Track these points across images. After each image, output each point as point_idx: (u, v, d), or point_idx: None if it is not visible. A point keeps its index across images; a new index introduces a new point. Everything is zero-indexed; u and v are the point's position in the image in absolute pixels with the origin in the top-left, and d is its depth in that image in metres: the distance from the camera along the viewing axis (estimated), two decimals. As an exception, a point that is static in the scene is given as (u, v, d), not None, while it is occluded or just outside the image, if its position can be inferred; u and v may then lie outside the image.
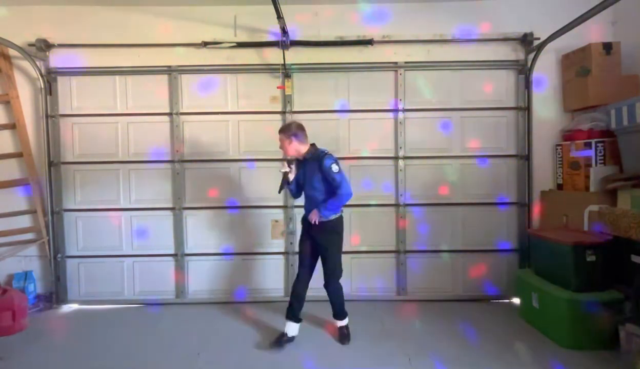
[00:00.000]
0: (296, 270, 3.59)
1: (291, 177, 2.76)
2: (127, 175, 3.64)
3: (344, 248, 3.60)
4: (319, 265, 2.83)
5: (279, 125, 3.57)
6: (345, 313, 2.88)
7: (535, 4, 3.57)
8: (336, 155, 3.51)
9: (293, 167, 2.76)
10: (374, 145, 3.63)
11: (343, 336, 2.83)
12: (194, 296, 3.65)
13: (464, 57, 3.58)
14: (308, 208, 2.80)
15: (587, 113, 3.33)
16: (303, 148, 2.73)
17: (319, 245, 2.75)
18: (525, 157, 3.59)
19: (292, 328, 2.79)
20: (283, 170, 2.73)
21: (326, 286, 2.80)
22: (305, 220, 2.83)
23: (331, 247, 2.74)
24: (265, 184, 3.62)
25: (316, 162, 2.68)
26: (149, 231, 3.65)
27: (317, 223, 2.67)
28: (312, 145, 2.78)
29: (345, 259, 3.62)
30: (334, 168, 2.63)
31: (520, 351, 2.64)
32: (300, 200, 3.56)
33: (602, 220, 2.85)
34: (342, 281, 3.63)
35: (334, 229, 2.75)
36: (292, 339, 2.78)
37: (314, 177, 2.70)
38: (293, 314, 2.79)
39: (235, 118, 3.63)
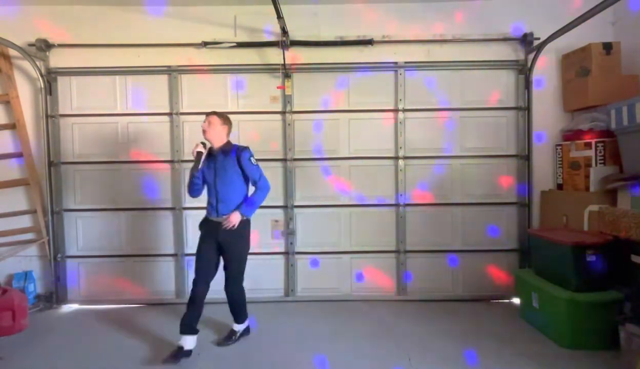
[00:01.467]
0: (297, 270, 3.65)
1: (202, 161, 2.58)
2: (127, 175, 3.64)
3: (344, 248, 3.67)
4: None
5: (280, 125, 3.61)
6: (245, 316, 2.83)
7: (535, 4, 3.57)
8: (336, 155, 3.61)
9: (206, 150, 2.61)
10: (374, 145, 3.62)
11: (228, 337, 2.78)
12: (194, 296, 3.65)
13: (464, 57, 3.58)
14: (220, 208, 2.60)
15: (587, 113, 3.33)
16: (225, 139, 2.67)
17: (230, 246, 2.61)
18: (525, 157, 3.59)
19: (189, 341, 2.56)
20: (198, 150, 2.56)
21: (229, 288, 2.71)
22: (210, 222, 2.64)
23: (243, 250, 2.68)
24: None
25: (232, 156, 2.61)
26: (148, 231, 3.65)
27: (235, 226, 2.55)
28: (228, 141, 2.71)
29: (345, 259, 3.66)
30: (253, 160, 2.63)
31: (520, 351, 2.64)
32: (300, 200, 3.63)
33: (602, 219, 2.85)
34: (342, 281, 3.68)
35: (245, 230, 2.66)
36: (189, 353, 2.54)
37: (231, 172, 2.59)
38: (191, 325, 2.58)
39: (235, 118, 3.60)
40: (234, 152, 2.62)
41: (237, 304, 2.77)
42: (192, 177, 2.61)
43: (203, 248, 2.64)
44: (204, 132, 2.62)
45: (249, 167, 2.61)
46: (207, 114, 2.65)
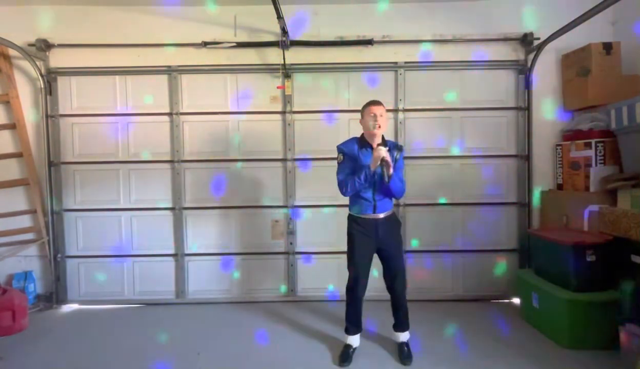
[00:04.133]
0: (297, 270, 3.66)
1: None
2: (127, 175, 3.64)
3: (344, 248, 3.62)
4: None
5: (279, 125, 3.61)
6: (346, 328, 2.65)
7: (535, 4, 3.57)
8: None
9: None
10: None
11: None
12: (194, 296, 3.65)
13: (464, 57, 3.58)
14: (379, 205, 2.49)
15: (587, 113, 3.33)
16: None
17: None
18: (525, 157, 3.59)
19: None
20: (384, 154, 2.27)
21: None
22: (366, 220, 2.51)
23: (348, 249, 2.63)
24: (265, 184, 3.63)
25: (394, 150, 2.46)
26: (149, 231, 3.65)
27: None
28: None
29: (343, 260, 3.61)
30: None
31: (520, 351, 2.64)
32: (300, 200, 3.63)
33: (602, 219, 2.85)
34: (342, 281, 3.63)
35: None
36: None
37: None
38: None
39: (235, 118, 3.63)
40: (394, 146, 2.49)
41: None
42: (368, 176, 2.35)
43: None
44: (379, 126, 2.36)
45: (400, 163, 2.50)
46: (377, 103, 2.42)
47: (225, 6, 3.54)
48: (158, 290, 3.65)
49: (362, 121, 2.48)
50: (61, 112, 3.61)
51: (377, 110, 2.38)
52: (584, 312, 2.61)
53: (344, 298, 3.55)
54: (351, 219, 2.57)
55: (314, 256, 3.65)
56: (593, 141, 3.12)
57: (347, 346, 2.59)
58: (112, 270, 3.65)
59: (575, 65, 3.41)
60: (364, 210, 2.49)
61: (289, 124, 3.60)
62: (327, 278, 3.65)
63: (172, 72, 3.59)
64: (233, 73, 3.61)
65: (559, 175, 3.50)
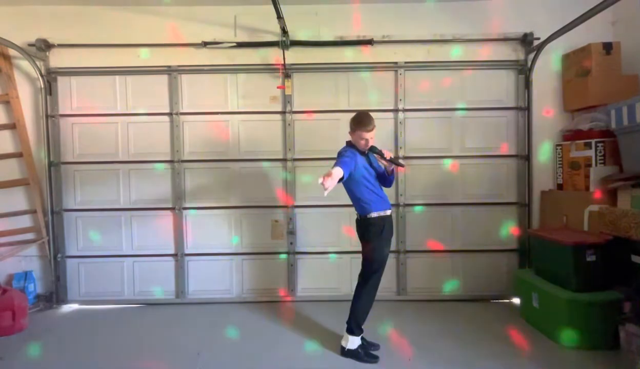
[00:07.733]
0: (297, 270, 3.66)
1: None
2: (127, 175, 3.64)
3: (344, 248, 3.65)
4: None
5: (279, 125, 3.61)
6: (352, 330, 2.58)
7: (535, 4, 3.57)
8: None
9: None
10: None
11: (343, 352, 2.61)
12: (194, 296, 3.65)
13: (464, 57, 3.58)
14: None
15: (587, 113, 3.33)
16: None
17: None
18: (525, 157, 3.59)
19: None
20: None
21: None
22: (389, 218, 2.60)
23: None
24: (265, 184, 3.63)
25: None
26: (149, 231, 3.65)
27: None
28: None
29: (345, 259, 3.65)
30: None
31: (520, 351, 2.64)
32: (300, 200, 3.64)
33: (602, 219, 2.85)
34: (342, 281, 3.67)
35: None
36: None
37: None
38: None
39: (235, 118, 3.63)
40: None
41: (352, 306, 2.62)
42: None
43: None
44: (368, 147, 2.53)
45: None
46: (369, 128, 2.47)
47: (225, 6, 3.54)
48: (158, 290, 3.65)
49: (354, 137, 2.54)
50: (61, 112, 3.61)
51: (368, 135, 2.47)
52: (584, 312, 2.61)
53: (344, 298, 3.59)
54: (376, 222, 2.52)
55: (313, 256, 3.65)
56: (593, 141, 3.12)
57: (362, 346, 2.61)
58: (112, 270, 3.65)
59: (575, 65, 3.41)
60: (383, 205, 2.56)
61: (289, 124, 3.60)
62: (327, 278, 3.65)
63: (172, 72, 3.59)
64: (233, 73, 3.61)
65: (559, 175, 3.50)
